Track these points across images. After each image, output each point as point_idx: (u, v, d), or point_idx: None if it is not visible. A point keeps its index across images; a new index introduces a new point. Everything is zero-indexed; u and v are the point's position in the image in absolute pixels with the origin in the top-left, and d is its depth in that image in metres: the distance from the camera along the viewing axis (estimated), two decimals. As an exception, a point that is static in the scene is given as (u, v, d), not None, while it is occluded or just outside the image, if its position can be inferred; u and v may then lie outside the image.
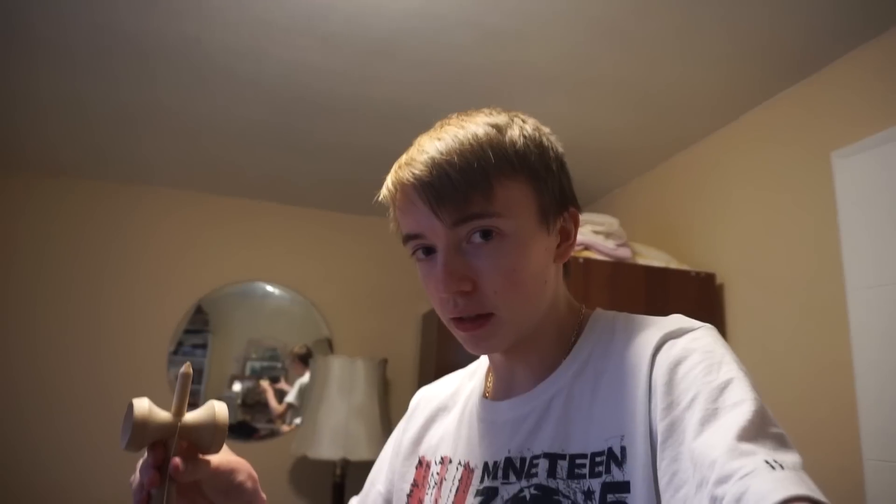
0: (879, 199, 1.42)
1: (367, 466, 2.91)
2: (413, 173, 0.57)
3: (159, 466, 0.55)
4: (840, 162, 1.54)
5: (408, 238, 0.61)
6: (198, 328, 2.79)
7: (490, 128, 0.58)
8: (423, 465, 0.72)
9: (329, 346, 2.92)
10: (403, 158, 0.60)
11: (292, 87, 1.86)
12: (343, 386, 2.49)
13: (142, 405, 0.55)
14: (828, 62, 1.61)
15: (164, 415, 0.57)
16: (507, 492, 0.59)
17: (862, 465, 1.36)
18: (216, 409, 0.58)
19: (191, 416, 0.58)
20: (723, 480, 0.42)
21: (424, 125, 0.65)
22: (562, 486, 0.55)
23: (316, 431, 2.43)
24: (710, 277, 1.90)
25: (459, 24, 1.52)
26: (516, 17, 1.48)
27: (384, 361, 2.74)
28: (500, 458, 0.61)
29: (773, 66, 1.65)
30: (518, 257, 0.58)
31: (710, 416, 0.48)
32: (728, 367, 0.52)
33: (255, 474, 0.67)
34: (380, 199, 0.63)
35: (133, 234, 2.76)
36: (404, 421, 0.80)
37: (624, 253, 1.90)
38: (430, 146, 0.57)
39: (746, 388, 0.50)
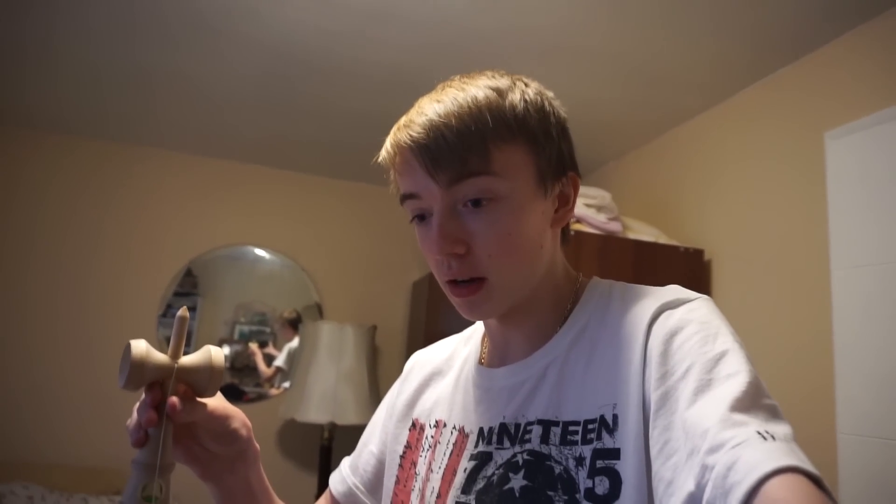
0: (868, 181, 1.44)
1: (354, 430, 2.95)
2: (410, 135, 0.57)
3: (156, 406, 0.56)
4: (832, 143, 1.54)
5: (405, 198, 0.61)
6: (187, 291, 2.79)
7: (491, 91, 0.58)
8: (416, 427, 0.72)
9: (319, 311, 2.93)
10: (403, 120, 0.60)
11: (289, 47, 1.82)
12: (332, 351, 2.51)
13: (139, 346, 0.56)
14: (822, 43, 1.61)
15: (161, 356, 0.58)
16: (500, 457, 0.59)
17: (836, 439, 1.40)
18: (212, 353, 0.60)
19: (188, 359, 0.59)
20: (714, 449, 0.43)
21: (420, 90, 0.64)
22: (554, 451, 0.55)
23: (304, 395, 2.46)
24: (698, 253, 1.92)
25: (458, -10, 1.50)
26: (515, -16, 1.46)
27: (373, 328, 2.76)
28: (495, 424, 0.62)
29: (769, 46, 1.64)
30: (514, 221, 0.57)
31: (703, 387, 0.48)
32: (724, 338, 0.52)
33: (249, 423, 0.68)
34: (379, 160, 0.63)
35: (124, 194, 2.74)
36: (398, 384, 0.80)
37: (615, 227, 1.91)
38: (430, 108, 0.57)
39: (741, 360, 0.50)
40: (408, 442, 0.72)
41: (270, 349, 2.88)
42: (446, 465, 0.64)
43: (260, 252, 2.92)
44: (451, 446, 0.65)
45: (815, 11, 1.48)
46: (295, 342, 2.86)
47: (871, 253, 1.40)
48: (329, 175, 3.03)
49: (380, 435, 0.78)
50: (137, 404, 0.58)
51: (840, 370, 1.43)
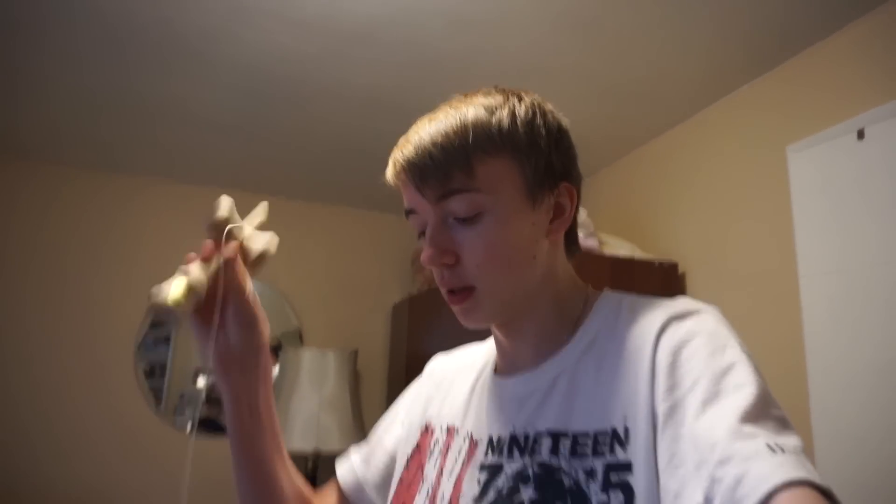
0: (829, 191, 1.49)
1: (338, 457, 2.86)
2: (403, 153, 0.61)
3: (212, 251, 0.69)
4: (794, 155, 1.60)
5: (407, 213, 0.64)
6: (161, 321, 2.73)
7: (482, 109, 0.61)
8: (428, 430, 0.73)
9: (299, 337, 2.90)
10: (401, 140, 0.63)
11: (265, 71, 1.84)
12: (314, 378, 2.48)
13: (227, 200, 0.74)
14: (782, 61, 1.68)
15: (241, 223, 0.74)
16: (511, 468, 0.60)
17: (813, 446, 1.43)
18: (270, 240, 0.77)
19: (254, 232, 0.75)
20: (723, 462, 0.43)
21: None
22: (564, 464, 0.56)
23: (287, 424, 2.42)
24: (672, 267, 1.96)
25: (434, 13, 1.54)
26: (488, 4, 1.50)
27: (354, 353, 2.74)
28: (505, 434, 0.62)
29: (732, 64, 1.71)
30: (499, 232, 0.59)
31: (711, 399, 0.48)
32: (732, 350, 0.53)
33: (268, 330, 0.74)
34: (386, 178, 0.66)
35: (94, 222, 2.68)
36: (417, 385, 0.82)
37: (591, 243, 1.94)
38: (423, 128, 0.61)
39: (749, 372, 0.51)
40: (418, 444, 0.73)
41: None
42: (458, 474, 0.64)
43: (237, 280, 2.88)
44: (463, 454, 0.65)
45: (773, 32, 1.55)
46: (275, 370, 2.82)
47: (836, 259, 1.45)
48: (306, 199, 3.03)
49: (396, 432, 0.79)
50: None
51: (812, 373, 1.47)
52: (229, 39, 1.68)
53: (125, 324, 2.66)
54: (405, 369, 2.62)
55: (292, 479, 0.77)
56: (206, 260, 0.68)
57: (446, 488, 0.64)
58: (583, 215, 1.98)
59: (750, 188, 1.76)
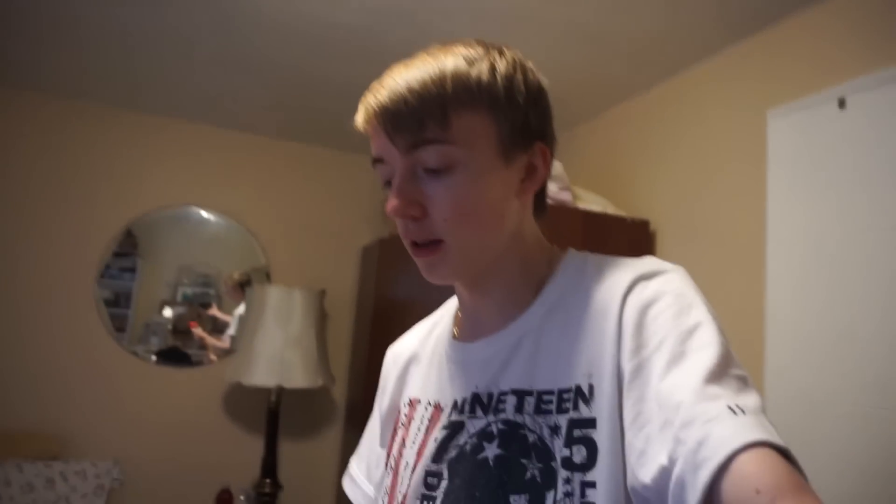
0: (806, 158, 1.50)
1: (302, 394, 2.94)
2: (375, 98, 0.58)
3: None
4: (774, 121, 1.59)
5: (374, 161, 0.62)
6: (126, 251, 2.68)
7: (461, 60, 0.58)
8: (392, 412, 0.74)
9: (266, 275, 2.88)
10: (374, 84, 0.60)
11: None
12: (280, 315, 2.48)
13: None
14: (769, 23, 1.64)
15: None
16: (473, 426, 0.59)
17: (765, 405, 1.48)
18: None
19: None
20: (686, 424, 0.44)
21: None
22: (528, 420, 0.56)
23: (251, 359, 2.43)
24: (643, 224, 1.97)
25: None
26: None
27: (322, 292, 2.73)
28: (468, 395, 0.62)
29: (719, 23, 1.67)
30: (470, 187, 0.58)
31: (676, 358, 0.49)
32: (697, 310, 0.53)
33: None
34: (355, 122, 0.63)
35: (58, 150, 2.58)
36: (381, 390, 0.80)
37: (565, 196, 1.93)
38: (399, 74, 0.58)
39: (714, 332, 0.51)
40: (393, 428, 0.73)
41: (214, 310, 2.81)
42: (421, 440, 0.64)
43: (205, 214, 2.82)
44: (426, 421, 0.65)
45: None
46: (242, 307, 2.80)
47: (806, 227, 1.47)
48: (278, 136, 2.94)
49: (381, 435, 0.77)
50: None
51: (770, 338, 1.51)
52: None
53: (87, 252, 2.60)
54: (372, 311, 2.63)
55: None
56: None
57: (409, 456, 0.64)
58: (558, 168, 1.96)
59: (728, 151, 1.76)
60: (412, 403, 0.70)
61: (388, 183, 0.61)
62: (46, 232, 2.53)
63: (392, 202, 0.58)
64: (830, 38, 1.49)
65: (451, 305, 0.76)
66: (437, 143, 0.56)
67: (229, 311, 2.84)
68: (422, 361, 0.74)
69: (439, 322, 0.76)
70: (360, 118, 0.61)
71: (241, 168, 2.89)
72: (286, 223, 2.94)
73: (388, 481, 0.67)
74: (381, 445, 0.76)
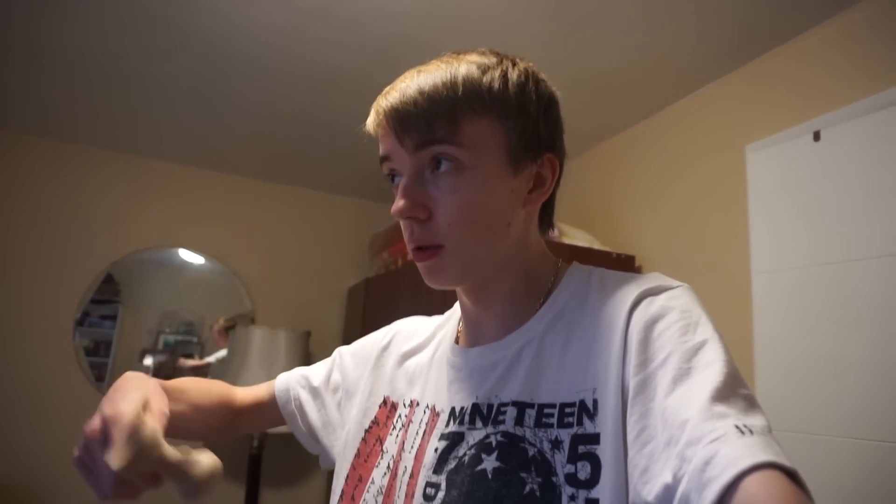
0: (785, 190, 1.53)
1: (286, 439, 2.83)
2: (387, 100, 0.58)
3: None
4: (752, 155, 1.63)
5: (381, 160, 0.62)
6: (107, 298, 2.63)
7: (474, 67, 0.59)
8: (387, 404, 0.71)
9: (251, 321, 2.83)
10: (388, 87, 0.61)
11: (231, 42, 1.76)
12: (264, 357, 2.43)
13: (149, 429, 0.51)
14: (744, 62, 1.70)
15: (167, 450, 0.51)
16: (472, 437, 0.59)
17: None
18: (213, 472, 0.54)
19: (190, 458, 0.53)
20: (693, 442, 0.43)
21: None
22: (528, 434, 0.55)
23: (234, 405, 2.36)
24: (629, 259, 1.98)
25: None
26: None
27: (307, 333, 2.69)
28: (468, 405, 0.61)
29: (697, 62, 1.73)
30: (476, 192, 0.57)
31: (682, 375, 0.48)
32: (704, 327, 0.53)
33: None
34: (365, 128, 0.63)
35: (38, 192, 2.55)
36: (379, 341, 0.80)
37: (552, 233, 1.94)
38: (411, 78, 0.59)
39: (720, 350, 0.51)
40: (376, 418, 0.71)
41: (195, 361, 2.75)
42: (419, 445, 0.63)
43: (188, 257, 2.79)
44: (423, 425, 0.64)
45: (736, 34, 1.57)
46: (224, 351, 2.75)
47: (788, 257, 1.49)
48: (263, 178, 2.95)
49: (348, 380, 0.79)
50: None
51: (759, 367, 1.51)
52: (192, 4, 1.59)
53: (67, 296, 2.54)
54: (359, 353, 2.58)
55: (207, 401, 0.76)
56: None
57: (408, 461, 0.63)
58: (544, 204, 1.98)
59: (709, 185, 1.79)
60: (412, 405, 0.68)
61: (390, 177, 0.62)
62: (25, 276, 2.48)
63: (398, 203, 0.58)
64: (804, 74, 1.54)
65: (457, 308, 0.75)
66: (445, 143, 0.57)
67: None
68: (421, 358, 0.73)
69: (445, 323, 0.76)
70: (370, 120, 0.62)
71: (225, 209, 2.88)
72: (271, 264, 2.91)
73: (384, 482, 0.65)
74: (338, 390, 0.79)
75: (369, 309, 2.59)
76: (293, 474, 2.75)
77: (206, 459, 0.53)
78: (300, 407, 0.81)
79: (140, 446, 0.49)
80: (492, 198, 0.58)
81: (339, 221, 3.06)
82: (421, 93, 0.56)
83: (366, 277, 2.75)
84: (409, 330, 0.79)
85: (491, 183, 0.58)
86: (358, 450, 0.70)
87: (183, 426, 0.70)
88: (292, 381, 0.84)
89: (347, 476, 0.68)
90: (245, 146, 2.57)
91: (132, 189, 2.71)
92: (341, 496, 0.68)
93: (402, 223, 0.60)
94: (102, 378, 2.56)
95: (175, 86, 2.06)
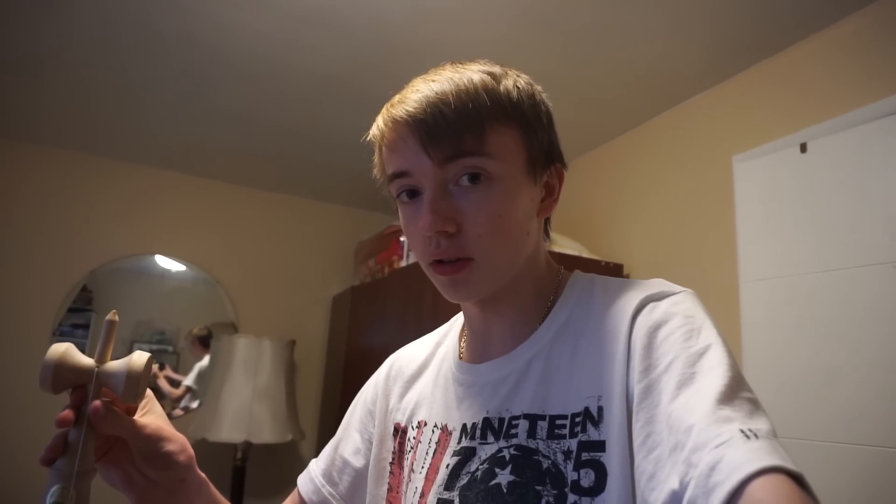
0: (772, 201, 1.55)
1: (269, 450, 2.79)
2: (406, 110, 0.56)
3: (77, 408, 0.53)
4: (740, 165, 1.66)
5: (394, 176, 0.59)
6: (80, 307, 2.55)
7: (486, 75, 0.58)
8: (398, 432, 0.70)
9: (233, 329, 2.78)
10: (396, 98, 0.59)
11: (217, 47, 1.74)
12: (248, 366, 2.38)
13: (57, 348, 0.55)
14: (733, 74, 1.74)
15: (83, 359, 0.56)
16: (485, 452, 0.58)
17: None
18: (133, 357, 0.56)
19: (110, 364, 0.56)
20: (698, 448, 0.43)
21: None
22: (542, 446, 0.55)
23: (217, 413, 2.32)
24: (618, 267, 1.99)
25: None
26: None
27: (292, 343, 2.65)
28: (479, 420, 0.60)
29: (684, 74, 1.76)
30: (505, 203, 0.57)
31: (686, 380, 0.48)
32: (707, 332, 0.53)
33: (191, 451, 0.64)
34: (368, 138, 0.61)
35: (16, 196, 2.48)
36: (375, 386, 0.77)
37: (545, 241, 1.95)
38: (425, 87, 0.57)
39: (723, 354, 0.51)
40: (394, 449, 0.70)
41: (168, 371, 2.67)
42: (430, 465, 0.62)
43: (168, 265, 2.73)
44: (433, 444, 0.63)
45: (725, 46, 1.60)
46: (205, 360, 2.69)
47: (775, 266, 1.51)
48: (247, 184, 2.91)
49: (356, 440, 0.75)
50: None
51: (747, 375, 1.52)
52: (179, 9, 1.57)
53: (44, 306, 2.47)
54: (344, 361, 2.56)
55: None
56: (76, 411, 0.53)
57: (418, 482, 0.62)
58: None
59: (696, 195, 1.81)
60: (420, 426, 0.67)
61: (406, 194, 0.59)
62: (1, 285, 2.41)
63: (426, 218, 0.55)
64: (791, 86, 1.57)
65: (454, 323, 0.74)
66: (475, 155, 0.55)
67: (188, 369, 2.71)
68: (424, 379, 0.72)
69: (443, 340, 0.74)
70: (379, 131, 0.59)
71: (209, 217, 2.83)
72: (255, 272, 2.87)
73: (390, 497, 0.65)
74: (352, 451, 0.74)
75: (355, 318, 2.57)
76: (277, 486, 2.70)
77: (134, 356, 0.56)
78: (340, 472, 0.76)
79: (56, 360, 0.53)
80: (517, 208, 0.58)
81: (324, 229, 3.03)
82: (444, 103, 0.55)
83: (351, 286, 2.72)
84: (407, 356, 0.78)
85: (516, 193, 0.58)
86: (389, 484, 0.69)
87: None
88: (318, 483, 0.77)
89: None
90: (228, 152, 2.54)
91: (114, 195, 2.65)
92: None
93: (421, 237, 0.58)
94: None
95: (161, 91, 2.02)
